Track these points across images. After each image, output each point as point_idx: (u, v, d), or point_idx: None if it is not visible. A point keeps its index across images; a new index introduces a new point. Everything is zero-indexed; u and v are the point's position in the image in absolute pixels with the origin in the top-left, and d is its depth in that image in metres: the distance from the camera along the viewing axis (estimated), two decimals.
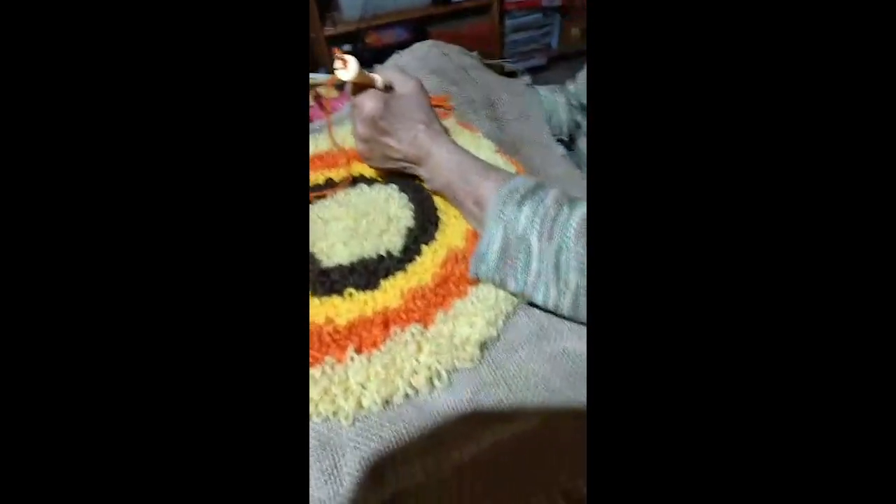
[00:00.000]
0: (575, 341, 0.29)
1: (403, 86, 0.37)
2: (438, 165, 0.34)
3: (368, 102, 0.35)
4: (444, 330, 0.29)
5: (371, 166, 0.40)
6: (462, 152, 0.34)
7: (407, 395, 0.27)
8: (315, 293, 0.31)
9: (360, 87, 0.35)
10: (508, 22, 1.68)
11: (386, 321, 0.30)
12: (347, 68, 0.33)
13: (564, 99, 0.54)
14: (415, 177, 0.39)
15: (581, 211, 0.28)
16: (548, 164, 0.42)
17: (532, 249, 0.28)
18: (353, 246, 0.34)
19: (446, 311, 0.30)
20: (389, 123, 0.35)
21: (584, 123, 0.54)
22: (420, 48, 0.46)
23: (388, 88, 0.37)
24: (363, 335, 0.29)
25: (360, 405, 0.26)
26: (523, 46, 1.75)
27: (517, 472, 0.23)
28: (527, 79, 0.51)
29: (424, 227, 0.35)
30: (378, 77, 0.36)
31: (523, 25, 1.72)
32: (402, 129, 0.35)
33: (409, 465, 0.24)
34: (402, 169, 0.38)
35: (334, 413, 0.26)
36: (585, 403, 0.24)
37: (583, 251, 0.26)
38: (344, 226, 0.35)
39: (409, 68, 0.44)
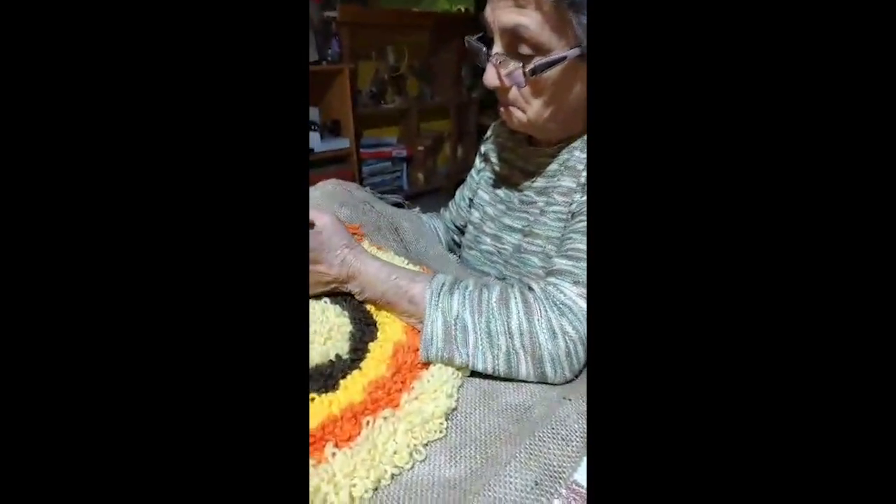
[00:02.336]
0: (513, 396, 0.36)
1: (319, 219, 0.43)
2: (369, 279, 0.40)
3: None
4: (412, 409, 0.32)
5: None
6: (386, 264, 0.42)
7: (393, 476, 0.29)
8: None
9: None
10: (365, 168, 1.96)
11: (355, 415, 0.32)
12: None
13: (441, 223, 0.69)
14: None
15: (496, 289, 0.37)
16: (447, 270, 0.52)
17: (467, 325, 0.36)
18: None
19: (409, 393, 0.34)
20: (318, 254, 0.40)
21: (460, 241, 0.67)
22: (326, 186, 0.55)
23: (310, 226, 0.43)
24: (337, 433, 0.30)
25: (351, 497, 0.27)
26: (380, 188, 2.02)
27: None
28: (417, 209, 0.64)
29: (364, 329, 0.40)
30: None
31: (377, 171, 2.03)
32: (329, 256, 0.41)
33: None
34: (334, 289, 0.43)
35: None
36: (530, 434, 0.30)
37: (506, 317, 0.35)
38: None
39: (321, 203, 0.52)
